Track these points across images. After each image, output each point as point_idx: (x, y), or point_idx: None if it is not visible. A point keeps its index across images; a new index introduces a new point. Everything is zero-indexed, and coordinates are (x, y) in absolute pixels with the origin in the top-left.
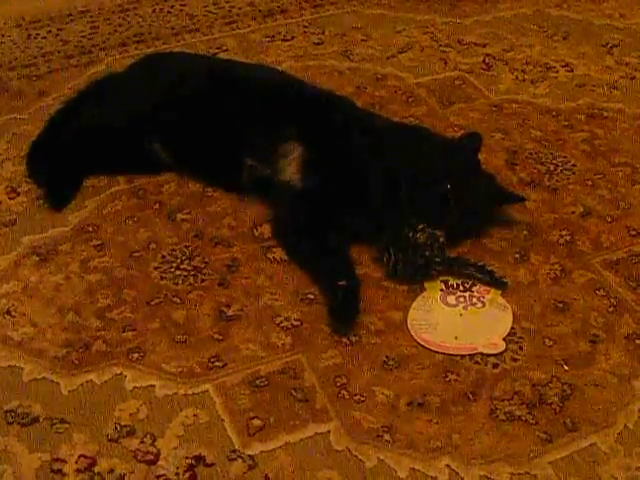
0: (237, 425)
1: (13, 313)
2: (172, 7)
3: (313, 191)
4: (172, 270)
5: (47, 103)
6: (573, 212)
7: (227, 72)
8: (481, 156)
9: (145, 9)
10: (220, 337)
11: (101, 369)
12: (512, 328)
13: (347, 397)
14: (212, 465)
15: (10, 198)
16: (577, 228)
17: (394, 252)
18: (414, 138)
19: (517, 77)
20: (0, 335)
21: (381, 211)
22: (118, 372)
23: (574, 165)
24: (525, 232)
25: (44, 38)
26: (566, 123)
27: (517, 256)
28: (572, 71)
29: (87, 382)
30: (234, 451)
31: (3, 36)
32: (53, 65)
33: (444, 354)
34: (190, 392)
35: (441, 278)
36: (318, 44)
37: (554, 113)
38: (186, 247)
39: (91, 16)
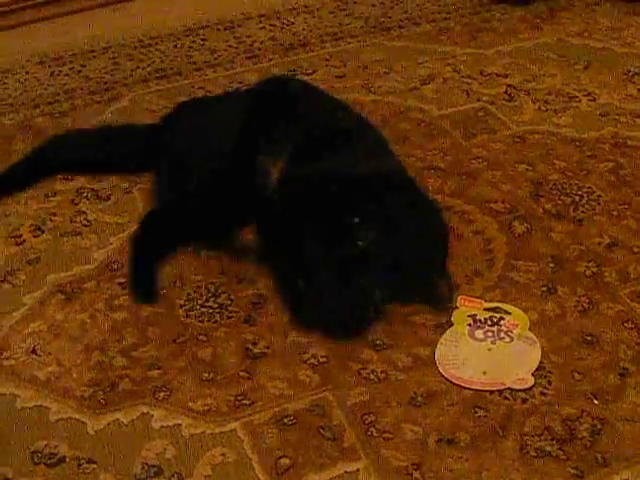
0: (265, 464)
1: (39, 352)
2: (193, 42)
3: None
4: (197, 307)
5: None
6: (599, 243)
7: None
8: (505, 187)
9: (166, 44)
10: (247, 375)
11: (127, 408)
12: (541, 362)
13: (376, 434)
14: None
15: (35, 236)
16: (603, 259)
17: None
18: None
19: (540, 107)
20: (26, 374)
21: None
22: (145, 411)
23: (599, 196)
24: (551, 264)
25: (67, 75)
26: (590, 153)
27: (544, 289)
28: (595, 100)
29: (114, 421)
30: None
31: (27, 73)
32: (76, 102)
33: (473, 390)
34: (217, 431)
35: (468, 313)
36: (340, 77)
37: (578, 143)
38: (211, 284)
39: (113, 52)
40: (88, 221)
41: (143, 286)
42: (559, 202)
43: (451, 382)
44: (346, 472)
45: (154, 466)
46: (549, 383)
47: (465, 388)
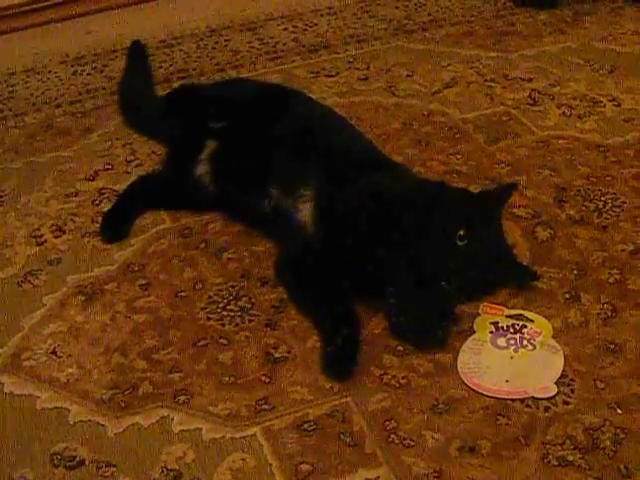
0: (285, 470)
1: (59, 353)
2: (216, 43)
3: (323, 239)
4: (219, 311)
5: (92, 140)
6: (623, 250)
7: (285, 100)
8: (528, 193)
9: (189, 45)
10: (268, 379)
11: (147, 411)
12: (563, 371)
13: (397, 441)
14: None
15: (55, 237)
16: (627, 266)
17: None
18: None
19: (564, 112)
20: (46, 376)
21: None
22: (165, 414)
23: (623, 202)
24: (575, 271)
25: (89, 74)
26: (614, 159)
27: (567, 296)
28: (619, 105)
29: (133, 424)
30: None
31: (50, 72)
32: (98, 102)
33: (495, 398)
34: (237, 436)
35: (490, 320)
36: (363, 80)
37: (602, 149)
38: (232, 287)
39: None
40: None
41: (114, 226)
42: (583, 208)
43: (473, 390)
44: (367, 479)
45: (173, 470)
46: (572, 392)
47: (487, 396)
